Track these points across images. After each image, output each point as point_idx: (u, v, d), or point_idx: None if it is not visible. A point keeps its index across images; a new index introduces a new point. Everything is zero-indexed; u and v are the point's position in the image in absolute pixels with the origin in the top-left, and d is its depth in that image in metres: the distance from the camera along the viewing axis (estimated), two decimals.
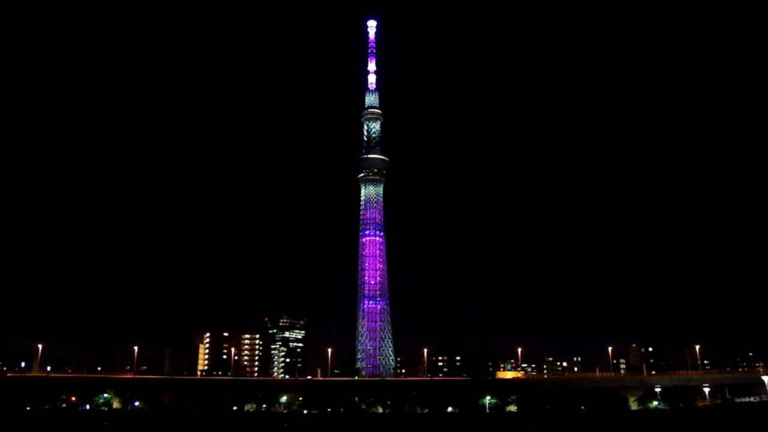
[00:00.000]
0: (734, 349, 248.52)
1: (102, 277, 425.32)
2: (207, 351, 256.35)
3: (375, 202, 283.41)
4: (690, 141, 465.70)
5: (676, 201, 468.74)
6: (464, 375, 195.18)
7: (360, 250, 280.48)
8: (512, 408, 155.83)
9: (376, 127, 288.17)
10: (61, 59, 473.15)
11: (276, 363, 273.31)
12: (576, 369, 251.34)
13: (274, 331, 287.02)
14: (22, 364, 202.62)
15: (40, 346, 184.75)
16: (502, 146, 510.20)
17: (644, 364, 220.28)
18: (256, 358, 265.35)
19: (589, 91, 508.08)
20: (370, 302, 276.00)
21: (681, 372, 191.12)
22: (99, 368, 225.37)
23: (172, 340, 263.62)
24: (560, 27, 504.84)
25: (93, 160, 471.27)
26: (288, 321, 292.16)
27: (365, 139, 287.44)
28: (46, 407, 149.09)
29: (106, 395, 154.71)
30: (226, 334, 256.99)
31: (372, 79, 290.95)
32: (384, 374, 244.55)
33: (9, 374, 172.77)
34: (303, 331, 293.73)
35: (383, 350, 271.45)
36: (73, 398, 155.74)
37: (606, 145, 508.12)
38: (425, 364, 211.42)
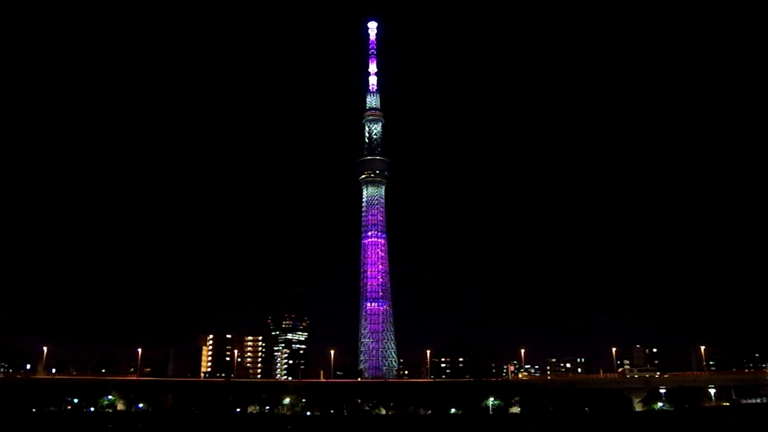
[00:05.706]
0: (740, 350, 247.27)
1: (105, 279, 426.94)
2: (210, 353, 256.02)
3: (376, 203, 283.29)
4: (690, 140, 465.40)
5: (683, 201, 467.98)
6: (467, 376, 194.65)
7: (362, 251, 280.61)
8: (516, 409, 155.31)
9: (377, 128, 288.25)
10: (62, 59, 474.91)
11: (279, 365, 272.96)
12: (580, 370, 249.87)
13: (277, 332, 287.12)
14: (28, 366, 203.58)
15: (45, 349, 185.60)
16: (502, 147, 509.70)
17: (648, 365, 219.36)
18: (259, 359, 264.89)
19: (585, 94, 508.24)
20: (373, 304, 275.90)
21: (686, 373, 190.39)
22: (103, 370, 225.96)
23: (175, 342, 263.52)
24: (554, 29, 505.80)
25: (95, 160, 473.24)
26: (291, 323, 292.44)
27: (366, 140, 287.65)
28: (52, 409, 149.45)
29: (110, 397, 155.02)
30: (229, 336, 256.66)
31: (373, 80, 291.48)
32: (387, 376, 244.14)
33: (17, 376, 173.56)
34: (306, 333, 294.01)
35: (386, 352, 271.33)
36: None
37: (605, 146, 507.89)
38: (428, 366, 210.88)
